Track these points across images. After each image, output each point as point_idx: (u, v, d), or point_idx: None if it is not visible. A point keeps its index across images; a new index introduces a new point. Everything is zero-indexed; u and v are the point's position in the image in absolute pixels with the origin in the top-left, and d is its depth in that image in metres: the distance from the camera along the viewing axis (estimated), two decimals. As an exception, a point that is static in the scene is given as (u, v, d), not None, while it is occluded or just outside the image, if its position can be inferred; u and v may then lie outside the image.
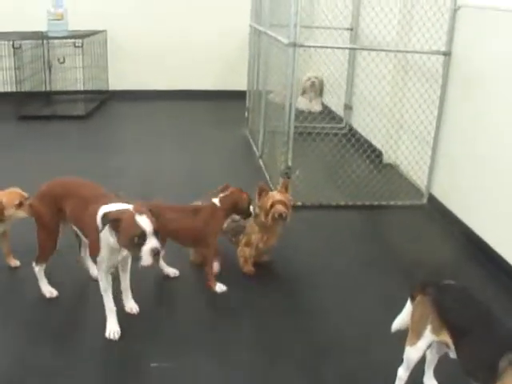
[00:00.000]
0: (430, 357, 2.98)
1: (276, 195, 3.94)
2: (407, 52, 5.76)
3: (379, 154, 6.24)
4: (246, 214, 3.94)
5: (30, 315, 3.58)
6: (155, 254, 2.93)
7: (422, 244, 4.67)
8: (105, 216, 2.98)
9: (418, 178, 5.57)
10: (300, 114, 6.80)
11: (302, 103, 8.48)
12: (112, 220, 2.95)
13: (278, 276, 4.14)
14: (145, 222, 2.92)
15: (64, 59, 8.76)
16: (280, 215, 3.88)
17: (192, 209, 3.89)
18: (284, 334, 3.48)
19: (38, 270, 3.70)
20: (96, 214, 3.10)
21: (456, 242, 4.69)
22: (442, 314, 2.62)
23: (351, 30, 7.19)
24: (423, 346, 2.74)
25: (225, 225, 3.95)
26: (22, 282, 3.90)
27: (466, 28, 4.79)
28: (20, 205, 3.71)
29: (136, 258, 2.99)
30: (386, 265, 4.28)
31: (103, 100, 9.03)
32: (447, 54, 4.96)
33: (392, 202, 5.30)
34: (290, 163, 5.16)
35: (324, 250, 4.54)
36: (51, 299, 3.71)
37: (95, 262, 3.34)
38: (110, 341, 3.33)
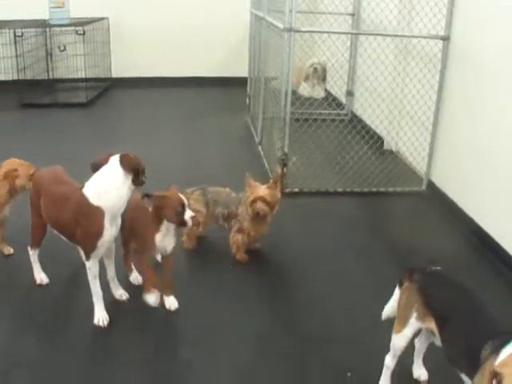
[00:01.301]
0: (418, 345, 2.95)
1: (260, 190, 3.85)
2: (406, 37, 5.69)
3: (380, 141, 6.17)
4: (178, 223, 3.31)
5: (19, 303, 3.57)
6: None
7: (419, 231, 4.63)
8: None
9: (418, 164, 5.51)
10: (303, 100, 6.76)
11: (305, 89, 8.45)
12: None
13: (269, 263, 4.10)
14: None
15: (65, 47, 8.75)
16: (257, 213, 3.83)
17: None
18: (272, 323, 3.46)
19: (32, 254, 3.71)
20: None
21: (454, 229, 4.63)
22: (427, 301, 2.58)
23: (353, 15, 7.12)
24: (409, 334, 2.70)
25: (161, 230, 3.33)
26: (16, 268, 3.90)
27: (464, 12, 4.72)
28: (32, 176, 3.73)
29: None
30: (381, 252, 4.24)
31: (105, 88, 9.01)
32: (446, 39, 4.89)
33: (391, 189, 5.25)
34: (286, 149, 5.11)
35: (318, 237, 4.51)
36: (41, 286, 3.70)
37: (90, 252, 3.27)
38: (99, 328, 3.32)
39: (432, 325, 2.57)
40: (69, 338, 3.26)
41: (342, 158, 5.62)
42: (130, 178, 3.16)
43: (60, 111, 7.99)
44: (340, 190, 5.24)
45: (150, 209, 3.23)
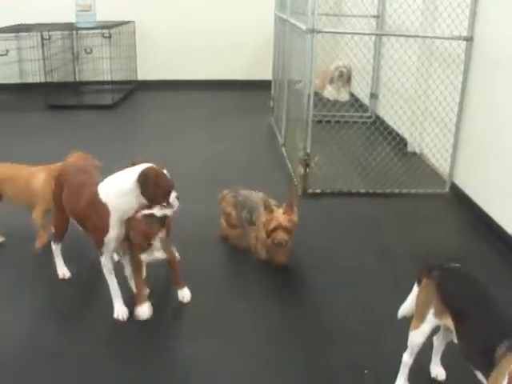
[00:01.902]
0: (436, 343, 2.94)
1: (280, 217, 3.74)
2: (429, 38, 5.67)
3: (403, 143, 6.15)
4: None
5: (42, 296, 3.67)
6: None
7: (442, 233, 4.59)
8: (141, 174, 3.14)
9: (441, 166, 5.49)
10: (326, 102, 6.78)
11: (330, 92, 8.45)
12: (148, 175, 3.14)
13: (290, 262, 4.09)
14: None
15: (91, 50, 8.84)
16: (280, 243, 3.76)
17: None
18: (291, 317, 3.48)
19: (55, 249, 3.79)
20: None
21: (477, 231, 4.60)
22: (444, 298, 2.58)
23: (377, 17, 7.11)
24: (426, 330, 2.69)
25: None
26: (40, 263, 4.00)
27: (487, 13, 4.70)
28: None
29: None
30: (402, 253, 4.21)
31: (131, 90, 9.10)
32: (469, 40, 4.87)
33: (414, 190, 5.22)
34: (308, 150, 5.12)
35: (340, 236, 4.51)
36: (64, 280, 3.79)
37: (99, 247, 3.33)
38: (118, 322, 3.37)
39: (449, 322, 2.56)
40: (90, 330, 3.33)
41: (364, 159, 5.62)
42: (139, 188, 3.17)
43: (86, 113, 8.11)
44: (363, 190, 5.23)
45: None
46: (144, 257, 3.33)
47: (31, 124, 7.62)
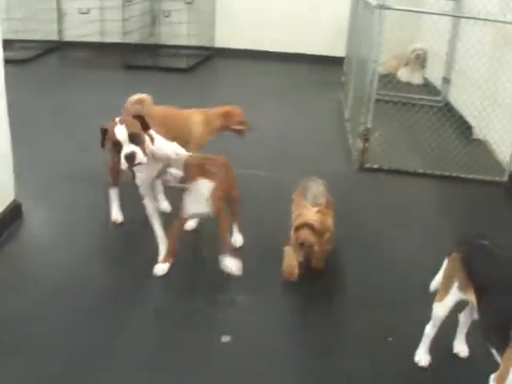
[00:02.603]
0: (462, 320, 2.95)
1: (310, 215, 3.34)
2: (508, 23, 5.52)
3: (469, 129, 6.06)
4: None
5: (94, 236, 3.97)
6: (130, 158, 3.16)
7: (494, 220, 4.52)
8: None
9: (501, 153, 5.39)
10: (399, 83, 6.73)
11: (404, 74, 8.36)
12: (101, 130, 3.26)
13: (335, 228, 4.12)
14: (120, 131, 3.16)
15: (169, 13, 8.97)
16: (302, 243, 3.35)
17: None
18: (321, 286, 3.52)
19: (112, 192, 4.03)
20: None
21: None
22: (469, 272, 2.58)
23: (455, -1, 6.98)
24: (449, 303, 2.70)
25: None
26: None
27: None
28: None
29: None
30: (448, 234, 4.16)
31: (207, 56, 9.20)
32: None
33: (471, 176, 5.15)
34: (369, 125, 5.12)
35: (389, 212, 4.52)
36: (116, 224, 4.02)
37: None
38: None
39: (472, 297, 2.56)
40: (132, 270, 3.56)
41: (425, 140, 5.56)
42: None
43: (161, 75, 8.28)
44: (420, 170, 5.20)
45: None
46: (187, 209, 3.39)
47: (107, 82, 7.86)
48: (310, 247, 3.36)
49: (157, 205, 3.65)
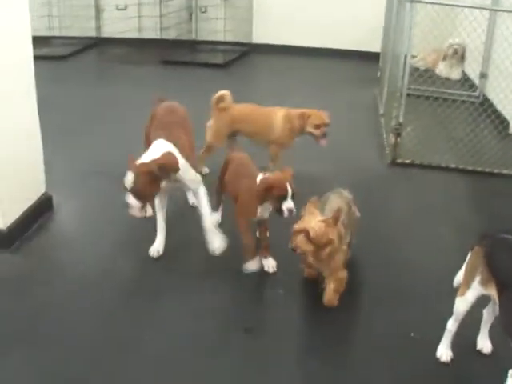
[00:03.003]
0: (486, 316, 2.92)
1: (311, 222, 3.09)
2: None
3: (506, 125, 5.95)
4: (275, 209, 3.40)
5: (120, 229, 4.03)
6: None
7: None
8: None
9: (537, 150, 5.29)
10: (435, 78, 6.66)
11: (443, 69, 8.24)
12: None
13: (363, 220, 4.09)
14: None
15: (206, 9, 9.01)
16: (294, 250, 3.14)
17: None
18: (353, 285, 3.46)
19: None
20: None
21: None
22: (491, 266, 2.55)
23: (493, -6, 6.86)
24: (471, 298, 2.68)
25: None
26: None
27: None
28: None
29: None
30: (479, 230, 4.09)
31: (244, 52, 9.20)
32: None
33: (505, 171, 5.08)
34: (401, 119, 5.09)
35: (420, 207, 4.50)
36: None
37: None
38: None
39: (494, 292, 2.53)
40: (160, 264, 3.64)
41: (459, 135, 5.48)
42: None
43: (197, 70, 8.35)
44: (453, 165, 5.15)
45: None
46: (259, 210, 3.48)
47: (145, 77, 7.97)
48: (302, 255, 3.17)
49: (164, 202, 3.73)
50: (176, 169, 3.38)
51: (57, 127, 5.42)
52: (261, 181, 3.40)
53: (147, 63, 8.53)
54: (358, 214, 3.58)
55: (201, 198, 3.64)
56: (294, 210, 3.30)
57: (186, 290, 3.43)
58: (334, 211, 3.16)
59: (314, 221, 3.09)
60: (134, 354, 2.93)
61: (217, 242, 3.62)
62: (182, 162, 3.43)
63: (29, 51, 3.86)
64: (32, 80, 3.91)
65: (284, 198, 3.29)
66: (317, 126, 4.49)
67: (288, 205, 3.30)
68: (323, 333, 3.13)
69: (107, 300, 3.30)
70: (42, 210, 4.08)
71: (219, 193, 3.90)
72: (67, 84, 7.44)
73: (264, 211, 3.48)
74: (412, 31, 4.87)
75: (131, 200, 3.28)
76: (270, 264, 3.60)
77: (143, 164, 3.29)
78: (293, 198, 3.31)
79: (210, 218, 3.64)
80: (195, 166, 3.69)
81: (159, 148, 3.43)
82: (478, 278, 2.61)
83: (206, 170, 4.65)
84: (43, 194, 4.13)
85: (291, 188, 3.30)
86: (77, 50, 9.05)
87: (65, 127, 5.65)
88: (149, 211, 4.03)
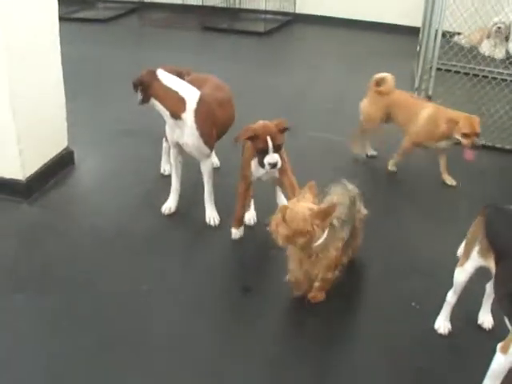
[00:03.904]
0: (488, 290, 2.88)
1: (297, 202, 2.78)
2: None
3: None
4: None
5: (141, 188, 4.10)
6: None
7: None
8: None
9: None
10: (476, 55, 6.51)
11: (486, 47, 8.06)
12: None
13: (378, 189, 4.05)
14: None
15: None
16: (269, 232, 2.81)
17: None
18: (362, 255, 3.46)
19: (164, 146, 4.17)
20: None
21: None
22: (490, 236, 2.50)
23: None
24: (469, 269, 2.65)
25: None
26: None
27: None
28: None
29: None
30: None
31: (287, 21, 9.15)
32: None
33: None
34: (430, 92, 5.00)
35: (442, 185, 4.42)
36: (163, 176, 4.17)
37: None
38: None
39: (492, 264, 2.49)
40: (176, 221, 3.73)
41: (491, 113, 5.36)
42: None
43: (237, 37, 8.37)
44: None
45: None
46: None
47: (185, 42, 8.03)
48: (275, 236, 2.78)
49: (181, 159, 3.71)
50: (164, 96, 3.40)
51: (90, 87, 5.50)
52: (244, 128, 3.25)
53: (188, 29, 8.57)
54: (364, 211, 3.28)
55: (203, 171, 3.67)
56: (278, 164, 3.20)
57: (190, 246, 3.48)
58: (329, 204, 2.85)
59: (300, 204, 2.75)
60: (138, 305, 3.00)
61: (208, 214, 3.70)
62: (189, 118, 3.44)
63: (54, 6, 3.89)
64: (56, 36, 3.97)
65: (265, 151, 3.17)
66: (466, 135, 3.97)
67: (269, 159, 3.17)
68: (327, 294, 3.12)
69: (118, 254, 3.38)
70: (62, 164, 4.15)
71: None
72: (108, 46, 7.54)
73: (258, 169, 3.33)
74: (446, 5, 4.76)
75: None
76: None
77: (154, 68, 3.46)
78: (278, 150, 3.18)
79: (207, 191, 3.69)
80: (211, 145, 3.62)
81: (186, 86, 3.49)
82: (477, 248, 2.57)
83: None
84: (64, 149, 4.20)
85: (276, 140, 3.15)
86: (120, 14, 9.14)
87: (97, 88, 5.73)
88: (167, 170, 4.07)
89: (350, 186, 3.18)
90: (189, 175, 3.84)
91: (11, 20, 3.44)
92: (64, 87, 4.16)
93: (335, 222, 2.87)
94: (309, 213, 2.69)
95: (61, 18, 4.00)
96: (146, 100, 3.41)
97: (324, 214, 2.72)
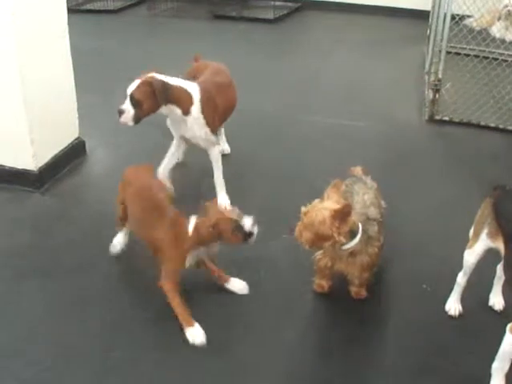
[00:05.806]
0: (499, 272, 2.88)
1: (319, 204, 2.69)
2: None
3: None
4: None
5: None
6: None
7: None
8: None
9: None
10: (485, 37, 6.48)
11: (497, 30, 8.00)
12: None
13: (386, 173, 4.03)
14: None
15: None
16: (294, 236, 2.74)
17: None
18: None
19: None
20: None
21: None
22: (498, 218, 2.51)
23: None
24: (478, 251, 2.65)
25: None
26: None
27: None
28: None
29: None
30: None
31: (296, 8, 9.14)
32: None
33: (547, 132, 4.93)
34: (440, 75, 4.99)
35: (453, 165, 4.47)
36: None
37: None
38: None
39: (501, 245, 2.50)
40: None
41: (502, 95, 5.34)
42: None
43: (247, 25, 8.38)
44: (492, 124, 5.03)
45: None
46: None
47: (196, 30, 8.04)
48: (300, 242, 2.73)
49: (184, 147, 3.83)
50: (179, 96, 3.39)
51: (101, 78, 5.52)
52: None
53: (198, 17, 8.58)
54: (383, 204, 3.18)
55: (212, 159, 3.72)
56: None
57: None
58: (366, 205, 2.85)
59: (320, 206, 2.65)
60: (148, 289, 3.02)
61: (221, 199, 3.70)
62: (195, 110, 3.47)
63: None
64: (65, 27, 3.99)
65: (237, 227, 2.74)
66: None
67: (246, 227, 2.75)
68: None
69: (130, 242, 3.35)
70: (74, 154, 4.19)
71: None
72: (118, 37, 7.56)
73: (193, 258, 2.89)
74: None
75: (126, 105, 3.32)
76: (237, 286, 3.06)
77: (151, 76, 3.32)
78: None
79: (218, 178, 3.72)
80: (214, 129, 3.66)
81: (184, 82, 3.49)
82: (485, 230, 2.58)
83: None
84: (76, 139, 4.23)
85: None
86: (129, 5, 9.14)
87: (108, 78, 5.74)
88: (180, 157, 4.09)
89: (368, 181, 3.12)
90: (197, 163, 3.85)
91: (20, 10, 3.46)
92: (75, 78, 4.19)
93: (372, 226, 2.82)
94: (328, 214, 2.59)
95: (70, 10, 4.03)
96: (146, 113, 3.39)
97: (342, 215, 2.60)
